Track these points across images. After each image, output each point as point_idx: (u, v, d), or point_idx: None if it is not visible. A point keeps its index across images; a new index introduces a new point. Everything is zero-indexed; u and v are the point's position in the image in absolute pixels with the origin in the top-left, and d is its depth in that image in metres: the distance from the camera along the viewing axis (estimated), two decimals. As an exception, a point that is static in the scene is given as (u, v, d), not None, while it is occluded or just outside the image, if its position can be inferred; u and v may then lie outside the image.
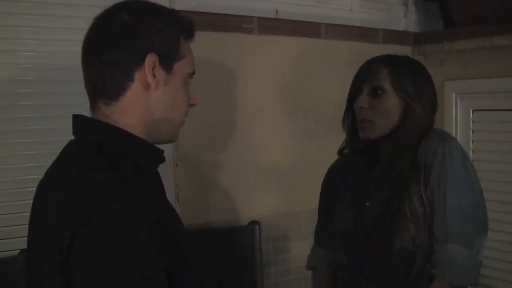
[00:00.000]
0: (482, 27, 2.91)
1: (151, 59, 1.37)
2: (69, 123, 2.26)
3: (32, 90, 2.22)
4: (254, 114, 2.77)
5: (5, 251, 2.15)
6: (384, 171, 1.91)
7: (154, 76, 1.38)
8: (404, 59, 1.99)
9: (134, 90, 1.38)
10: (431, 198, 1.80)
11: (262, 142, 2.80)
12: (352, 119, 2.01)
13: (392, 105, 1.88)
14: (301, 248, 2.88)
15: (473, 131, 3.12)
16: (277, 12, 2.80)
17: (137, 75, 1.38)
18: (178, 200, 2.54)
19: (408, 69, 1.92)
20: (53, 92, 2.25)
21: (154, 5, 1.48)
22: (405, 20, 3.38)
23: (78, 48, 2.24)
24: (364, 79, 1.92)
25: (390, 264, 1.86)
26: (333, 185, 2.19)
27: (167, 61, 1.42)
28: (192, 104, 1.53)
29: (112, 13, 1.42)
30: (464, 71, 3.12)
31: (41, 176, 2.08)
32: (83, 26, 2.27)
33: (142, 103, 1.40)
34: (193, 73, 1.52)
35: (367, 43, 3.10)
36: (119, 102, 1.39)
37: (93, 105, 1.44)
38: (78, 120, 1.44)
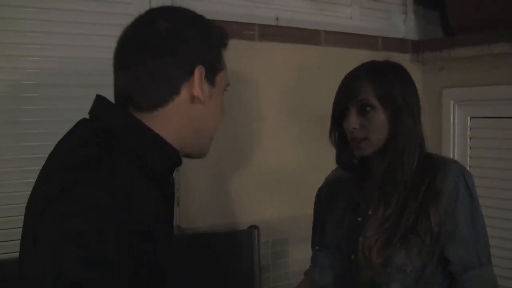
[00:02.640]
0: (481, 35, 2.94)
1: (200, 71, 1.32)
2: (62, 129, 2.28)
3: (35, 94, 2.24)
4: (254, 120, 2.79)
5: (5, 253, 2.16)
6: (381, 186, 1.90)
7: (202, 90, 1.33)
8: (386, 66, 1.94)
9: (178, 103, 1.33)
10: (458, 227, 1.80)
11: (262, 147, 2.82)
12: (339, 135, 1.99)
13: (382, 119, 1.84)
14: (300, 252, 2.90)
15: (470, 138, 3.15)
16: (277, 20, 2.83)
17: (184, 88, 1.33)
18: (178, 205, 2.55)
19: (392, 78, 1.88)
20: (56, 96, 2.26)
21: (190, 12, 1.43)
22: (405, 28, 3.40)
23: (81, 53, 2.29)
24: (350, 97, 1.87)
25: (388, 284, 1.84)
26: (324, 201, 2.19)
27: (211, 73, 1.37)
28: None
29: (151, 20, 1.36)
30: (462, 79, 3.14)
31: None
32: (86, 31, 2.32)
33: (183, 116, 1.34)
34: (228, 84, 1.48)
35: (366, 50, 3.12)
36: (155, 113, 1.33)
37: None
38: (100, 100, 1.37)
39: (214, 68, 1.39)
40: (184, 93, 1.33)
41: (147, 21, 1.36)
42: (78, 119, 2.24)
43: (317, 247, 2.18)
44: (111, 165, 1.18)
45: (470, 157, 3.12)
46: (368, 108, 1.83)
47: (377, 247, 1.85)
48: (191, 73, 1.32)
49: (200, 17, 1.42)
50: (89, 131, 1.31)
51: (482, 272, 1.81)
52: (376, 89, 1.83)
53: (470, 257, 1.80)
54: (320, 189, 2.24)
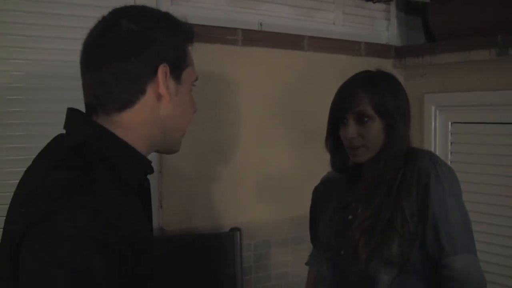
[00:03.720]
0: (461, 42, 2.99)
1: (163, 69, 1.32)
2: (57, 130, 2.30)
3: (21, 97, 2.26)
4: (237, 123, 2.81)
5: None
6: (370, 187, 1.96)
7: (167, 87, 1.34)
8: (380, 77, 2.02)
9: (144, 102, 1.33)
10: (430, 214, 1.85)
11: (245, 151, 2.85)
12: (334, 140, 2.05)
13: (378, 128, 1.93)
14: (281, 254, 2.95)
15: (451, 143, 3.20)
16: (261, 25, 2.86)
17: (150, 87, 1.33)
18: (161, 207, 2.58)
19: (387, 88, 1.96)
20: (41, 99, 2.29)
21: (155, 10, 1.43)
22: (387, 33, 3.44)
23: (66, 57, 2.31)
24: (348, 108, 1.94)
25: (376, 276, 1.90)
26: (318, 200, 2.26)
27: (177, 71, 1.37)
28: (194, 111, 1.50)
29: (114, 21, 1.34)
30: (443, 85, 3.19)
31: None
32: (72, 35, 2.33)
33: (150, 115, 1.35)
34: (196, 79, 1.48)
35: (349, 56, 3.16)
36: (123, 113, 1.33)
37: (90, 112, 1.36)
38: (71, 114, 1.38)
39: (179, 66, 1.39)
40: (150, 92, 1.33)
41: (110, 23, 1.35)
42: (63, 121, 2.25)
43: (315, 243, 2.29)
44: (91, 188, 1.18)
45: (451, 162, 3.15)
46: (366, 119, 1.91)
47: (361, 244, 1.90)
48: (155, 72, 1.32)
49: (165, 16, 1.42)
50: (64, 149, 1.30)
51: (459, 260, 1.84)
52: (373, 100, 1.91)
53: (444, 245, 1.84)
54: (316, 188, 2.30)
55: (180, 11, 2.49)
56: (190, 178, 2.68)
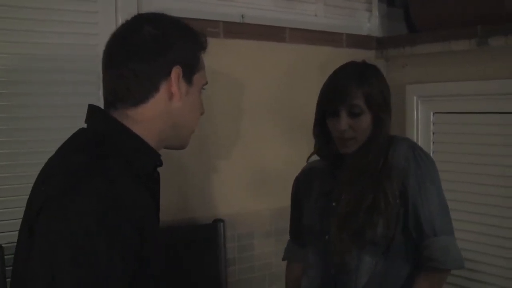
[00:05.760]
0: (442, 32, 3.01)
1: (176, 71, 1.46)
2: (38, 124, 2.30)
3: (2, 91, 2.24)
4: (217, 115, 2.80)
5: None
6: (354, 174, 2.03)
7: (179, 87, 1.48)
8: (368, 69, 2.09)
9: (157, 99, 1.47)
10: (409, 198, 1.96)
11: (227, 142, 2.86)
12: (321, 128, 2.11)
13: (368, 121, 2.01)
14: (265, 245, 2.96)
15: (433, 133, 3.22)
16: (242, 17, 2.85)
17: (163, 86, 1.46)
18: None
19: (375, 81, 2.04)
20: (23, 93, 2.27)
21: (174, 19, 1.57)
22: (369, 25, 3.44)
23: (48, 50, 2.30)
24: (341, 101, 2.00)
25: (361, 258, 1.99)
26: (301, 187, 2.31)
27: (189, 73, 1.51)
28: (201, 113, 1.64)
29: (137, 26, 1.50)
30: (425, 75, 3.21)
31: (9, 175, 2.13)
32: (54, 29, 2.32)
33: (162, 111, 1.48)
34: (206, 83, 1.62)
35: (331, 47, 3.17)
36: (138, 108, 1.46)
37: (108, 106, 1.49)
38: (91, 109, 1.51)
39: (191, 69, 1.53)
40: (163, 91, 1.47)
41: (134, 27, 1.51)
42: (42, 115, 2.26)
43: (293, 235, 2.37)
44: (105, 174, 1.31)
45: (433, 152, 3.17)
46: (357, 112, 1.99)
47: (344, 227, 1.98)
48: (169, 72, 1.46)
49: (182, 24, 1.57)
50: (84, 140, 1.46)
51: (438, 241, 1.96)
52: (364, 94, 1.99)
53: (424, 227, 1.96)
54: (297, 178, 2.36)
55: (161, 4, 2.50)
56: (172, 170, 2.66)
